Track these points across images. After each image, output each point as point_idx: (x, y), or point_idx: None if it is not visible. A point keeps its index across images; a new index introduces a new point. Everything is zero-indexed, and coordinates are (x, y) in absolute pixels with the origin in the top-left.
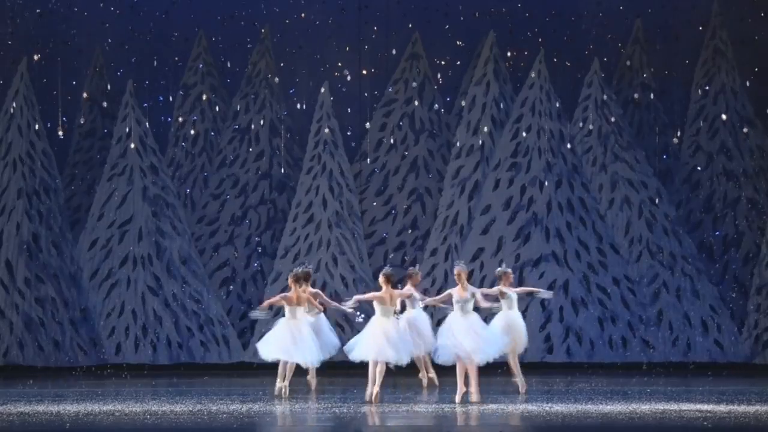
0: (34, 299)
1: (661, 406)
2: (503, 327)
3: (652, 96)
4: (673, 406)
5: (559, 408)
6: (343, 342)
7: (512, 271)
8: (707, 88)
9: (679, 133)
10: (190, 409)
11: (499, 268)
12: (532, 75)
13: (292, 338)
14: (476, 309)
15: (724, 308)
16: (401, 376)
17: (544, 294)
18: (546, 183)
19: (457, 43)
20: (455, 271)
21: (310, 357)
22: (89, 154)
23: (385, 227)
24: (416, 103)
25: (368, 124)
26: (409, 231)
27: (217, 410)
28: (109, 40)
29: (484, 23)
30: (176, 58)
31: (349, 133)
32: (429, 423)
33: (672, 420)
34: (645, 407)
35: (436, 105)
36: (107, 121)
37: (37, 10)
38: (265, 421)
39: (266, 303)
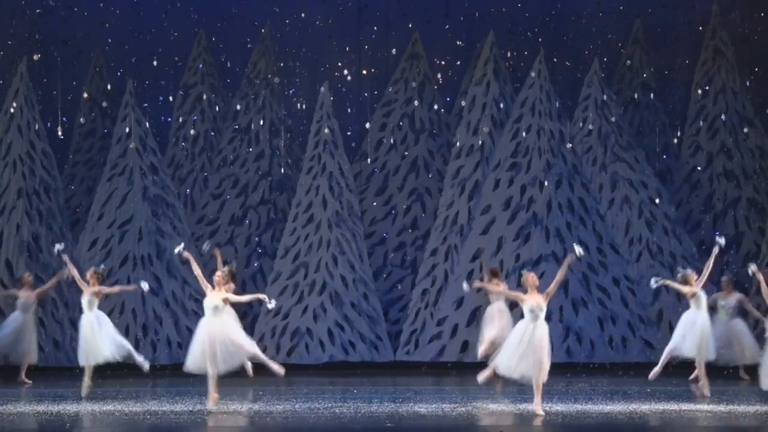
0: None
1: (661, 406)
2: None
3: (652, 96)
4: (673, 406)
5: (559, 408)
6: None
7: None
8: (707, 88)
9: (679, 133)
10: (190, 409)
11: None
12: (532, 75)
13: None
14: None
15: None
16: (404, 375)
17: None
18: (546, 183)
19: (457, 43)
20: (528, 277)
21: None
22: (89, 154)
23: (385, 227)
24: (416, 103)
25: (368, 124)
26: (409, 231)
27: (216, 410)
28: (109, 40)
29: (484, 23)
30: (176, 58)
31: (349, 133)
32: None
33: (672, 420)
34: (645, 407)
35: (436, 105)
36: (107, 121)
37: (37, 10)
38: (265, 420)
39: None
